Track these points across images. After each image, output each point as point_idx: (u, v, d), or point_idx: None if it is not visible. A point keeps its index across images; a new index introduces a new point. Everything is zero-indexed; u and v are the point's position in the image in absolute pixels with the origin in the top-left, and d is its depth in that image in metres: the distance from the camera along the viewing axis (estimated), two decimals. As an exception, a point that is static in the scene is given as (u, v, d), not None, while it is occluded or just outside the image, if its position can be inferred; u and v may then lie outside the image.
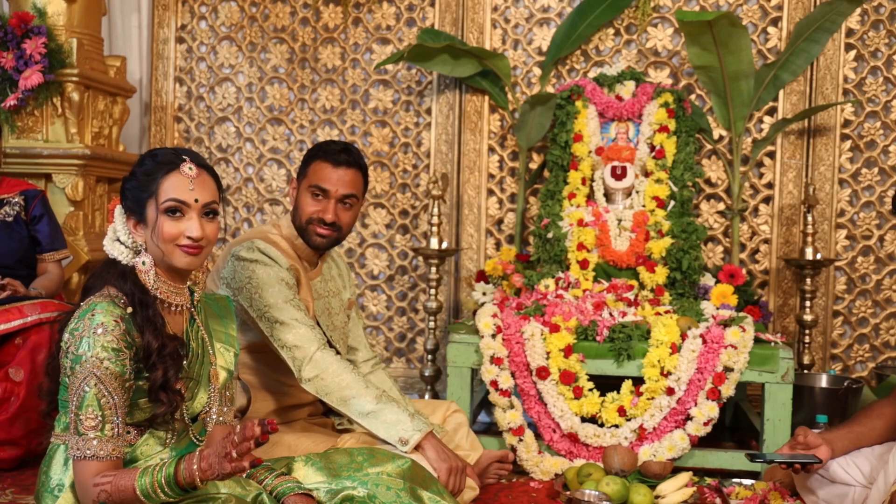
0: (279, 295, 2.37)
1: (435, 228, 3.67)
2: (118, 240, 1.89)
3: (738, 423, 3.53)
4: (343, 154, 2.48)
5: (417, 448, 2.28)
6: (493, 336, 3.01)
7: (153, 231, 1.84)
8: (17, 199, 3.22)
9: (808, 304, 3.70)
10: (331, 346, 2.61)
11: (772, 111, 3.96)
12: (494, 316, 3.05)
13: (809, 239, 3.64)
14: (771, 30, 3.96)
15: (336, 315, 2.64)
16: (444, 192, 3.77)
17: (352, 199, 2.50)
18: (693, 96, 3.97)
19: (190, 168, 1.87)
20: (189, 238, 1.85)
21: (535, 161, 4.09)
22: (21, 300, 2.94)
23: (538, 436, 3.03)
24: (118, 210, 1.90)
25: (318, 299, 2.58)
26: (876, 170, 3.93)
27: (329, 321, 2.60)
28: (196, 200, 1.86)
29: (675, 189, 3.57)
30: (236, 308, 2.22)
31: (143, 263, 1.86)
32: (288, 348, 2.35)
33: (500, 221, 4.16)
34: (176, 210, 1.85)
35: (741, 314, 3.16)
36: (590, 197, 3.67)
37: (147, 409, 1.83)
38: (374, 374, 2.74)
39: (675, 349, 2.94)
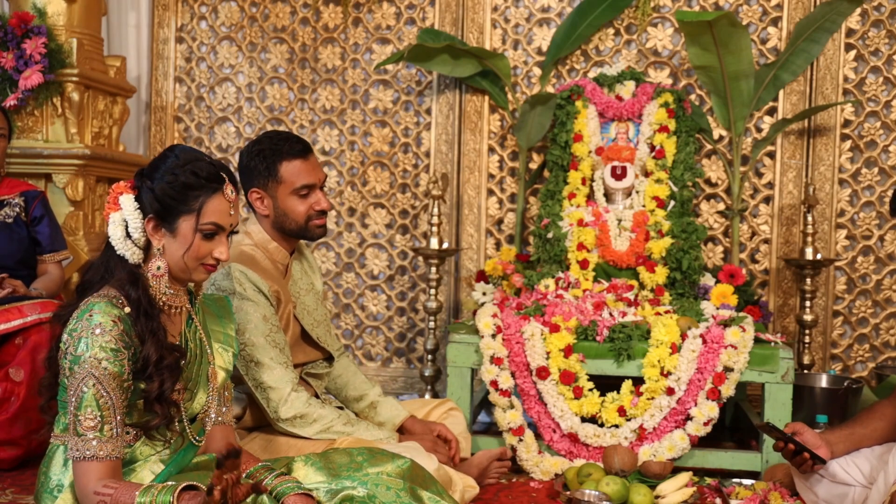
0: (258, 332, 2.36)
1: (435, 228, 3.67)
2: (128, 236, 1.85)
3: (738, 423, 3.53)
4: (300, 144, 2.47)
5: None
6: (493, 336, 3.01)
7: (187, 248, 1.83)
8: (17, 200, 3.22)
9: (808, 304, 3.70)
10: (320, 349, 2.62)
11: (772, 111, 3.96)
12: (494, 316, 3.05)
13: (809, 239, 3.64)
14: (771, 30, 3.96)
15: (315, 311, 2.63)
16: (444, 192, 3.77)
17: (324, 182, 2.55)
18: (693, 96, 3.97)
19: (232, 191, 1.86)
20: (215, 258, 1.86)
21: (535, 161, 4.09)
22: (21, 300, 2.94)
23: (538, 436, 3.03)
24: (130, 202, 1.84)
25: (296, 301, 2.57)
26: (876, 170, 3.93)
27: (311, 319, 2.60)
28: (231, 225, 1.87)
29: (675, 189, 3.57)
30: None
31: (158, 268, 1.85)
32: (263, 388, 2.37)
33: (500, 221, 4.16)
34: (214, 234, 1.85)
35: (741, 314, 3.16)
36: (590, 197, 3.67)
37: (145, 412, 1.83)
38: (339, 362, 2.75)
39: (675, 349, 2.94)
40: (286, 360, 2.41)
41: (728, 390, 2.92)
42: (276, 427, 2.40)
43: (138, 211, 1.84)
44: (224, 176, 1.86)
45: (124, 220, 1.84)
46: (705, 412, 2.90)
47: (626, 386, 2.98)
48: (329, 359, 2.67)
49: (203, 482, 1.76)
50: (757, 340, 2.98)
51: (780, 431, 2.37)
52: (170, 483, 1.70)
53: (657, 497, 2.64)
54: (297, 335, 2.56)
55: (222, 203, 1.85)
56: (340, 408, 2.61)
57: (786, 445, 2.36)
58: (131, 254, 1.84)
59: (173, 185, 1.82)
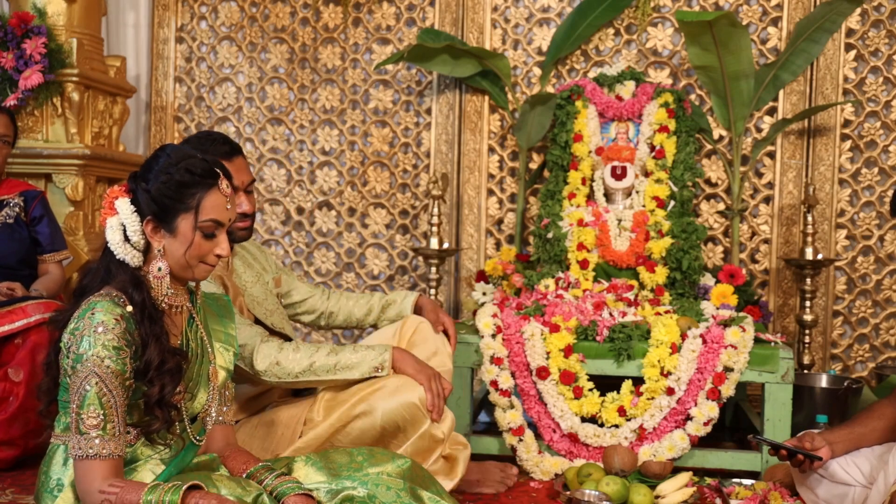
0: None
1: (435, 228, 3.68)
2: (127, 239, 1.84)
3: (738, 423, 3.53)
4: (226, 146, 2.43)
5: (395, 369, 2.39)
6: (493, 336, 3.00)
7: (188, 246, 1.83)
8: (16, 200, 3.23)
9: (808, 304, 3.70)
10: (277, 334, 2.62)
11: (772, 111, 3.96)
12: (494, 316, 3.05)
13: (809, 239, 3.65)
14: (771, 30, 3.96)
15: (265, 301, 2.63)
16: (444, 192, 3.77)
17: (251, 186, 2.50)
18: (693, 96, 3.97)
19: (227, 186, 1.86)
20: (217, 255, 1.86)
21: (535, 161, 4.09)
22: (24, 300, 2.94)
23: (538, 436, 3.03)
24: (126, 206, 1.83)
25: (244, 293, 2.57)
26: (876, 170, 3.93)
27: (263, 309, 2.60)
28: (229, 220, 1.87)
29: (675, 189, 3.57)
30: None
31: (160, 269, 1.85)
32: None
33: (500, 221, 4.16)
34: (214, 230, 1.85)
35: (741, 314, 3.16)
36: (590, 197, 3.67)
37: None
38: (332, 298, 2.80)
39: (675, 349, 2.94)
40: (249, 322, 2.41)
41: (728, 390, 2.92)
42: (259, 381, 2.38)
43: (135, 214, 1.83)
44: (218, 171, 1.86)
45: (122, 225, 1.83)
46: (705, 412, 2.90)
47: (626, 386, 2.98)
48: (288, 340, 2.67)
49: (203, 482, 1.76)
50: (757, 340, 2.98)
51: (770, 441, 2.41)
52: (176, 482, 1.70)
53: (657, 497, 2.64)
54: (252, 323, 2.56)
55: (219, 198, 1.85)
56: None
57: (777, 451, 2.38)
58: (131, 257, 1.83)
59: (169, 184, 1.81)
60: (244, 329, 2.39)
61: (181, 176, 1.82)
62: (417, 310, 2.75)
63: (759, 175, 3.99)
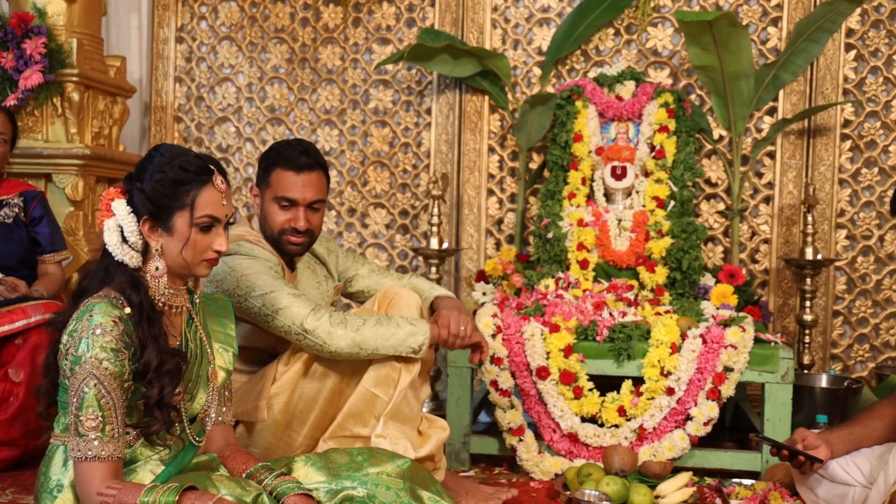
0: (266, 275, 2.35)
1: (435, 228, 3.68)
2: (125, 240, 1.84)
3: (738, 423, 3.53)
4: (304, 157, 2.42)
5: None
6: (493, 336, 3.00)
7: (184, 243, 1.83)
8: (16, 201, 3.23)
9: (808, 304, 3.71)
10: None
11: (772, 111, 3.96)
12: (494, 316, 3.05)
13: (809, 239, 3.65)
14: (771, 30, 3.96)
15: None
16: (444, 192, 3.77)
17: (319, 204, 2.48)
18: (693, 96, 3.97)
19: (222, 182, 1.87)
20: (216, 251, 1.86)
21: (535, 161, 4.09)
22: (24, 301, 2.94)
23: (538, 436, 3.03)
24: (122, 207, 1.83)
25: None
26: (876, 170, 3.93)
27: None
28: (226, 215, 1.87)
29: (675, 189, 3.57)
30: None
31: (157, 269, 1.85)
32: (283, 309, 2.32)
33: (500, 221, 4.16)
34: (211, 226, 1.85)
35: (741, 314, 3.16)
36: (590, 197, 3.67)
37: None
38: (407, 279, 2.76)
39: (675, 349, 2.94)
40: (294, 289, 2.39)
41: (728, 390, 2.92)
42: (304, 342, 2.34)
43: (132, 214, 1.83)
44: (212, 167, 1.86)
45: (119, 226, 1.83)
46: (705, 412, 2.90)
47: (626, 386, 2.98)
48: None
49: (203, 482, 1.76)
50: (757, 340, 2.98)
51: (772, 441, 2.41)
52: (173, 484, 1.70)
53: (657, 497, 2.64)
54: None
55: (214, 194, 1.85)
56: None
57: (779, 451, 2.38)
58: (130, 258, 1.83)
59: (163, 182, 1.82)
60: (293, 294, 2.33)
61: (175, 173, 1.82)
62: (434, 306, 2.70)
63: (759, 175, 3.99)
